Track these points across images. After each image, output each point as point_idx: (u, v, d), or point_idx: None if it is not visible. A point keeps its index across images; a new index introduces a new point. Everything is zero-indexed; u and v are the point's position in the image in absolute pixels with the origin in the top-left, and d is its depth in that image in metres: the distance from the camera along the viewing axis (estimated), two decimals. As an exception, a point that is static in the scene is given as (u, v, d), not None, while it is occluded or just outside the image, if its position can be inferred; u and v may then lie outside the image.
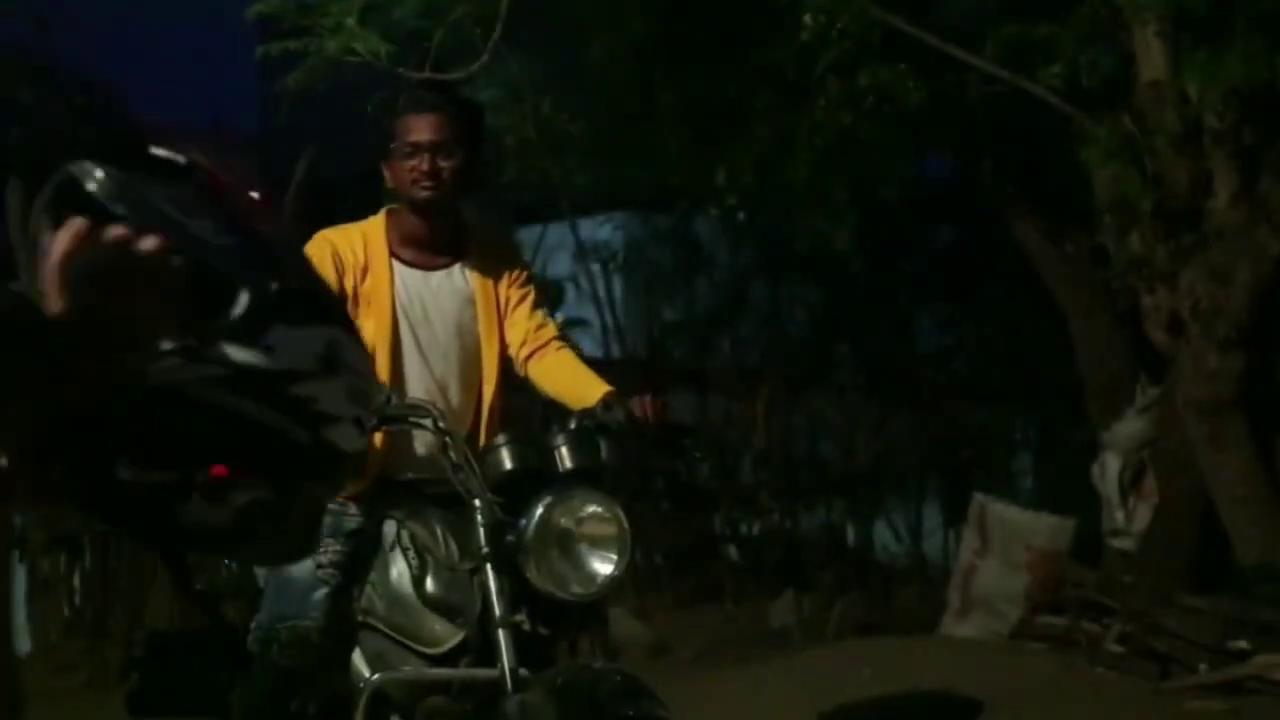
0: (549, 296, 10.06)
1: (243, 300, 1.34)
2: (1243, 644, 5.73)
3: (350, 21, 5.24)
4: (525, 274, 4.00)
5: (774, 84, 6.70)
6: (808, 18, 6.02)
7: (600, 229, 10.74)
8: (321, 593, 3.60)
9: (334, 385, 1.44)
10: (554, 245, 10.52)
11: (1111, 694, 5.72)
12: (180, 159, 1.40)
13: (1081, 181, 6.34)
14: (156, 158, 1.39)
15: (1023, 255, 7.18)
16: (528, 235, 11.18)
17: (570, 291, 10.31)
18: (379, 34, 5.33)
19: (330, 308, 1.53)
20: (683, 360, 10.09)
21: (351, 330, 1.52)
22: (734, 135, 6.88)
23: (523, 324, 3.91)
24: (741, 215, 8.94)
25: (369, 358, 1.99)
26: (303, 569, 3.60)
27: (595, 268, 10.18)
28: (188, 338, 1.29)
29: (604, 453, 3.58)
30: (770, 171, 6.85)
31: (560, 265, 10.56)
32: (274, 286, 1.38)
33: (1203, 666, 5.73)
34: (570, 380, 3.83)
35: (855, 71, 6.28)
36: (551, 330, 3.94)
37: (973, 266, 9.79)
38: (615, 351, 9.79)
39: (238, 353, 1.32)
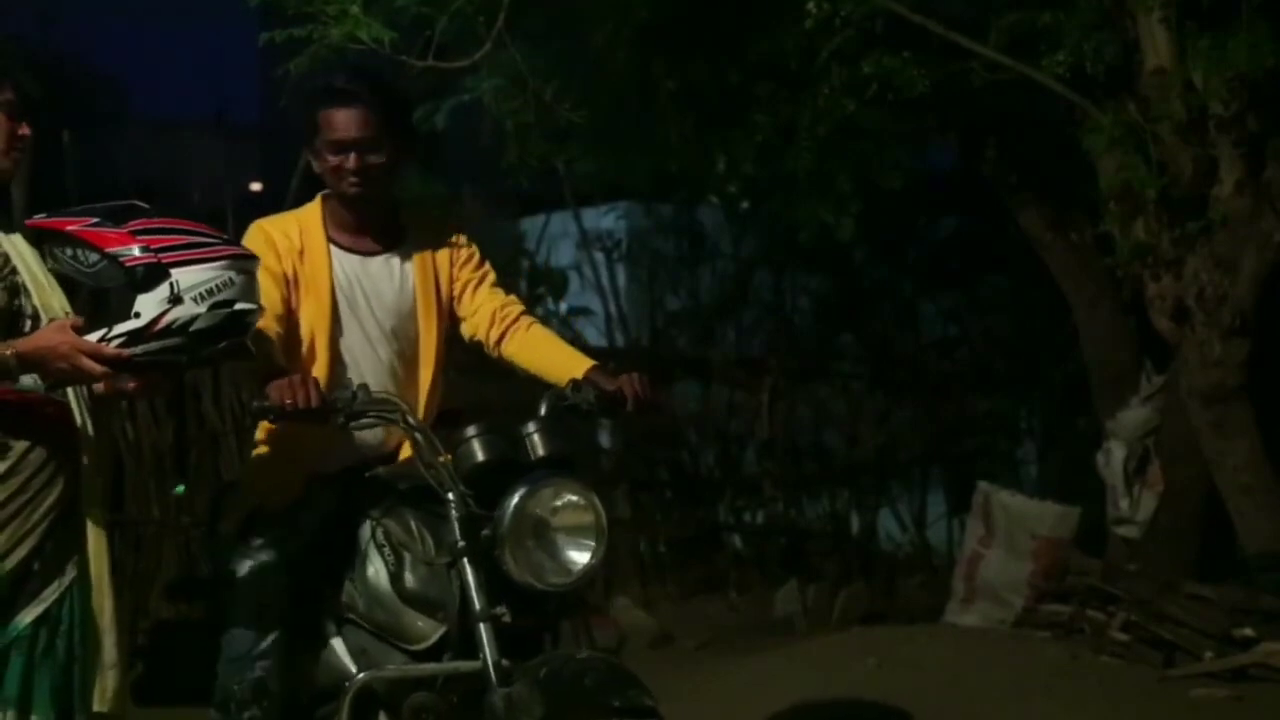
0: (554, 285, 10.16)
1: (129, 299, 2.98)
2: (1248, 631, 5.74)
3: (354, 9, 5.24)
4: (475, 256, 3.89)
5: (776, 72, 6.69)
6: (811, 5, 6.00)
7: (604, 218, 10.74)
8: (269, 639, 3.58)
9: (185, 306, 2.99)
10: (557, 234, 10.53)
11: (1116, 682, 5.72)
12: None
13: (1086, 169, 6.33)
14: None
15: (1027, 244, 7.17)
16: (531, 224, 11.21)
17: (574, 280, 10.32)
18: (382, 21, 5.32)
19: (162, 265, 2.98)
20: (686, 349, 10.09)
21: (183, 263, 2.99)
22: (736, 124, 6.86)
23: (487, 305, 3.83)
24: (745, 204, 8.92)
25: (205, 249, 3.04)
26: (245, 624, 3.59)
27: (599, 257, 10.18)
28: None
29: (587, 436, 3.54)
30: (773, 160, 6.84)
31: (564, 254, 10.57)
32: (127, 280, 2.97)
33: (1208, 654, 5.73)
34: (549, 354, 3.76)
35: (858, 59, 6.27)
36: (518, 306, 3.85)
37: (976, 255, 9.78)
38: (619, 341, 9.78)
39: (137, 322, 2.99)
